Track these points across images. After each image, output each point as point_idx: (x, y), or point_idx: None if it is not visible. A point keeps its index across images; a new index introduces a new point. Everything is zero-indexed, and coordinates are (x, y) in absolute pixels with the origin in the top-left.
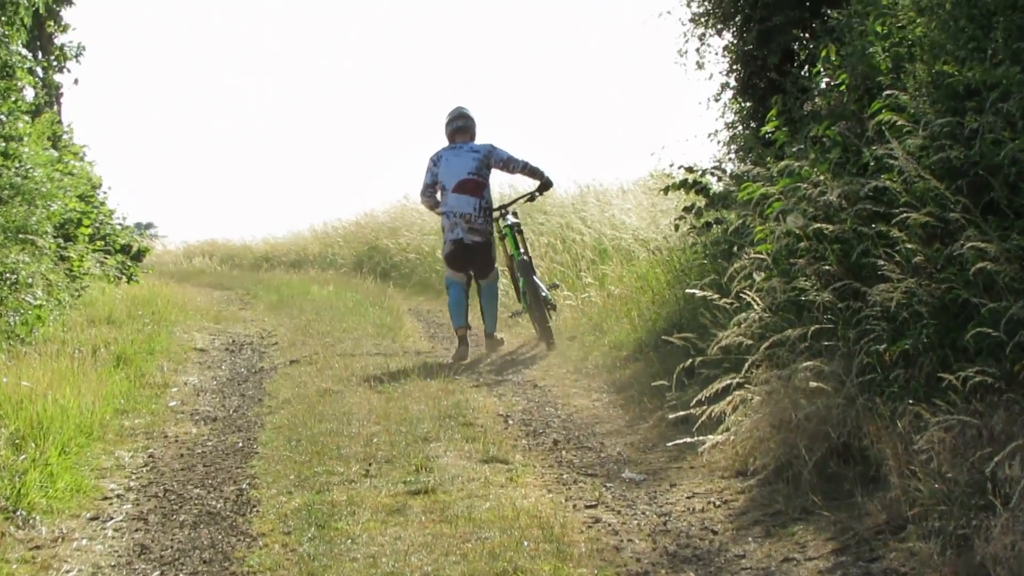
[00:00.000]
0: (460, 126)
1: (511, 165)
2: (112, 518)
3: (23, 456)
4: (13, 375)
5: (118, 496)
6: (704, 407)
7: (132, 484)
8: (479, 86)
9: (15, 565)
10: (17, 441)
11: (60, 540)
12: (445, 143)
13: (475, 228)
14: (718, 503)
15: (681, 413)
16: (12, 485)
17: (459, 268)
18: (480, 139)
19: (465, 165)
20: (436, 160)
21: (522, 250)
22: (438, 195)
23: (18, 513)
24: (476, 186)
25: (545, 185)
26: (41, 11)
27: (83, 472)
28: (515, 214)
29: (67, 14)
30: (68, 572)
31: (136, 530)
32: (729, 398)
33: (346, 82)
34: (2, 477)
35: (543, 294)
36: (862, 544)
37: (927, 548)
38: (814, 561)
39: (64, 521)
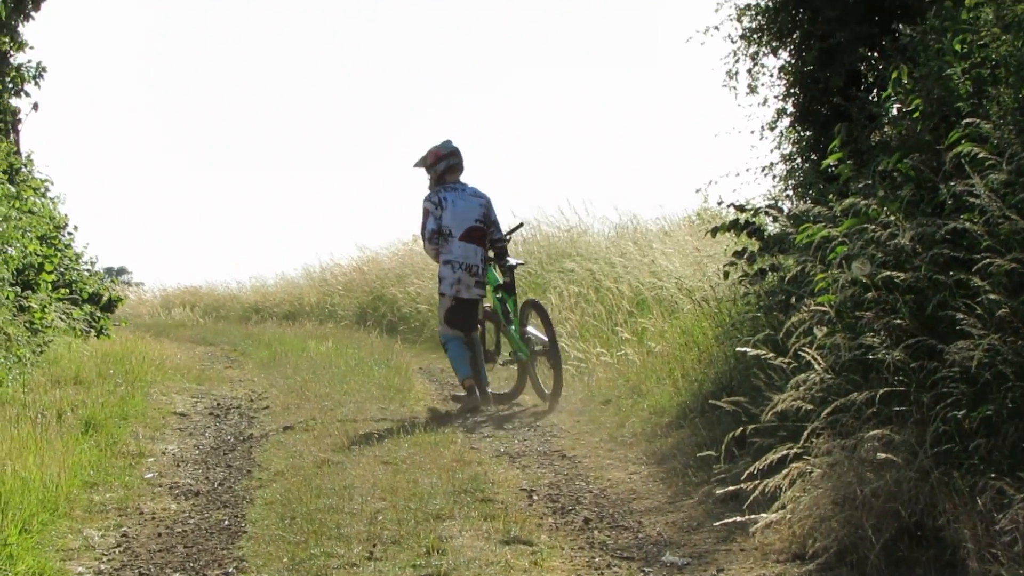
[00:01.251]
0: (455, 163)
1: (493, 229)
2: None
3: None
4: None
5: None
6: (757, 481)
7: (103, 567)
8: (498, 112)
9: None
10: None
11: None
12: (426, 179)
13: (480, 281)
14: None
15: (730, 488)
16: None
17: (459, 326)
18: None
19: (472, 211)
20: (438, 203)
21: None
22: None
23: None
24: (482, 235)
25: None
26: None
27: (47, 553)
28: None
29: (25, 30)
30: None
31: None
32: (785, 471)
33: (342, 104)
34: None
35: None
36: None
37: None
38: None
39: None
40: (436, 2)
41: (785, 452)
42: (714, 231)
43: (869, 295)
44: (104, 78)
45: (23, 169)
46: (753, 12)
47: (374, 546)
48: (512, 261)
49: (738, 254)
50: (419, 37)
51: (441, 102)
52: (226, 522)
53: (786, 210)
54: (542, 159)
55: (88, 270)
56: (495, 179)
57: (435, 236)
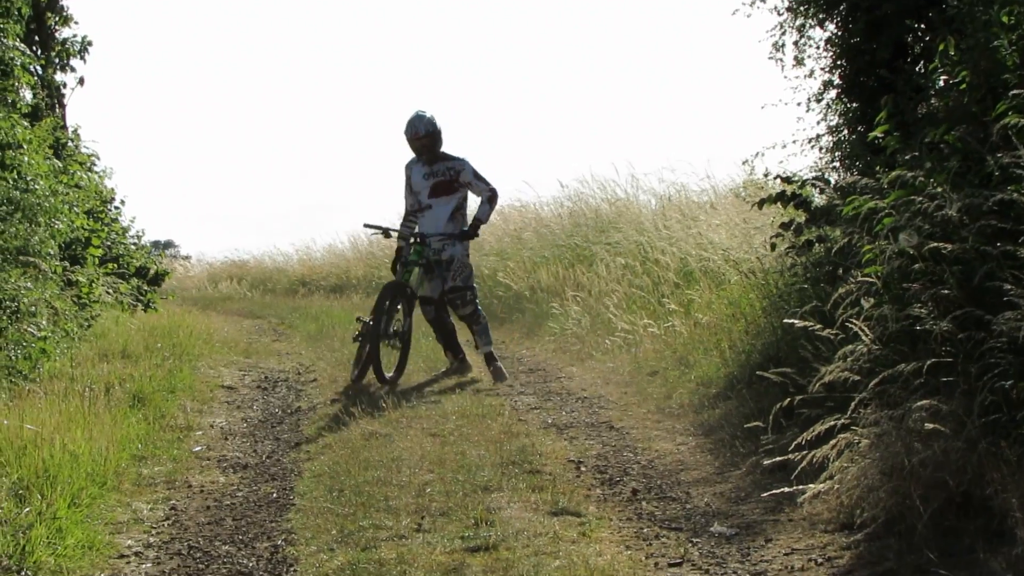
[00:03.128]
0: None
1: None
2: None
3: (28, 509)
4: (15, 417)
5: (136, 554)
6: (804, 452)
7: (152, 540)
8: (545, 83)
9: None
10: (21, 492)
11: None
12: (454, 151)
13: None
14: (820, 560)
15: (778, 459)
16: (16, 541)
17: None
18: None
19: None
20: None
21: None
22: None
23: (23, 573)
24: None
25: None
26: (40, 0)
27: (96, 527)
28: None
29: (71, 5)
30: None
31: None
32: (833, 441)
33: (388, 77)
34: (4, 532)
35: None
36: None
37: None
38: None
39: None
40: None
41: (832, 423)
42: (761, 203)
43: (916, 266)
44: (150, 50)
45: (69, 143)
46: None
47: (422, 518)
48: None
49: (785, 226)
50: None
51: (488, 75)
52: (274, 495)
53: (833, 182)
54: (589, 131)
55: (135, 244)
56: (541, 150)
57: None
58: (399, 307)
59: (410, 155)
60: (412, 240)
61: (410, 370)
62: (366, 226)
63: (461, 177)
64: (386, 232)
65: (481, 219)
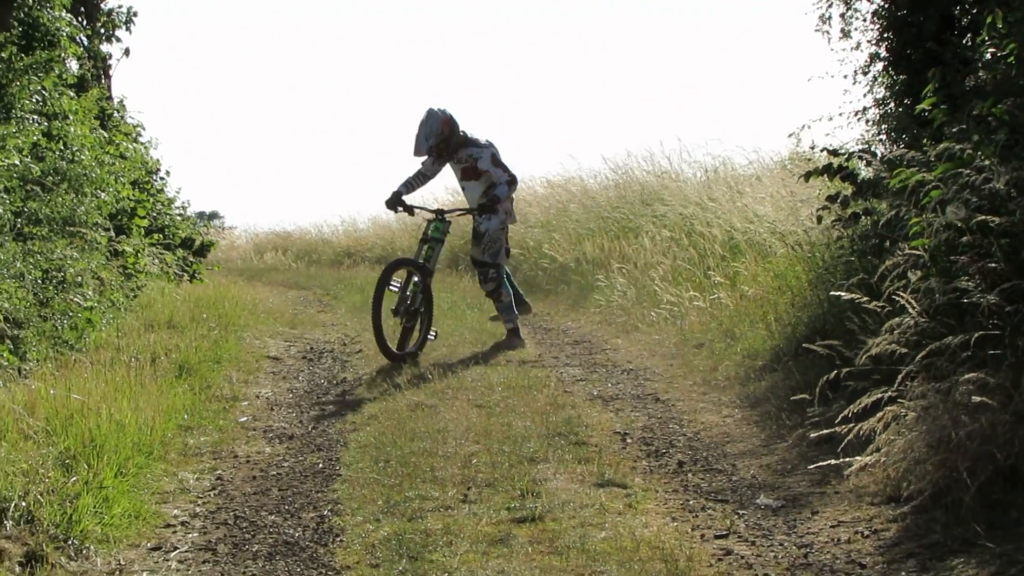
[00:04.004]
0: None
1: None
2: (176, 548)
3: (75, 478)
4: (62, 386)
5: (182, 523)
6: (851, 424)
7: (198, 510)
8: (591, 56)
9: None
10: (68, 461)
11: (117, 572)
12: (473, 134)
13: None
14: (867, 533)
15: (824, 431)
16: (63, 511)
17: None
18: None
19: None
20: None
21: None
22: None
23: (70, 542)
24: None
25: None
26: None
27: (142, 496)
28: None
29: None
30: None
31: (203, 562)
32: (880, 414)
33: (430, 49)
34: (51, 502)
35: None
36: None
37: None
38: None
39: (121, 551)
40: None
41: (879, 395)
42: (807, 175)
43: (964, 239)
44: (195, 20)
45: (115, 114)
46: None
47: (468, 489)
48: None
49: (831, 198)
50: None
51: (538, 48)
52: (320, 465)
53: (879, 154)
54: (635, 105)
55: (181, 215)
56: (588, 124)
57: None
58: (412, 283)
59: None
60: (433, 217)
61: (454, 342)
62: (392, 205)
63: (479, 164)
64: (410, 210)
65: (499, 196)
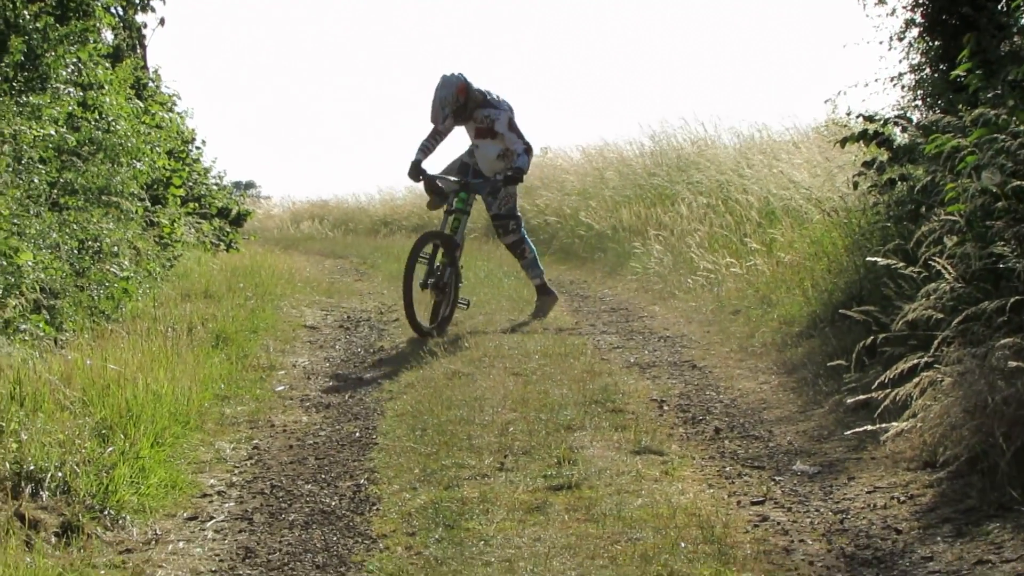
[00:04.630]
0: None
1: None
2: (212, 518)
3: (111, 448)
4: (98, 356)
5: (219, 493)
6: (887, 390)
7: (235, 479)
8: (630, 23)
9: (103, 571)
10: (104, 431)
11: (153, 542)
12: (504, 99)
13: None
14: (903, 498)
15: (861, 397)
16: (99, 481)
17: None
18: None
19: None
20: None
21: None
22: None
23: (106, 512)
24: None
25: None
26: None
27: (179, 466)
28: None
29: None
30: None
31: (240, 531)
32: (916, 380)
33: (470, 19)
34: (88, 472)
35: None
36: None
37: None
38: (1011, 563)
39: (158, 521)
40: None
41: (915, 361)
42: (843, 141)
43: (999, 204)
44: None
45: (150, 84)
46: None
47: (505, 457)
48: None
49: (867, 164)
50: None
51: (576, 18)
52: (357, 434)
53: (915, 120)
54: (672, 70)
55: (217, 184)
56: (627, 89)
57: None
58: (440, 255)
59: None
60: (459, 191)
61: (491, 310)
62: (415, 175)
63: (496, 127)
64: (432, 185)
65: (522, 168)
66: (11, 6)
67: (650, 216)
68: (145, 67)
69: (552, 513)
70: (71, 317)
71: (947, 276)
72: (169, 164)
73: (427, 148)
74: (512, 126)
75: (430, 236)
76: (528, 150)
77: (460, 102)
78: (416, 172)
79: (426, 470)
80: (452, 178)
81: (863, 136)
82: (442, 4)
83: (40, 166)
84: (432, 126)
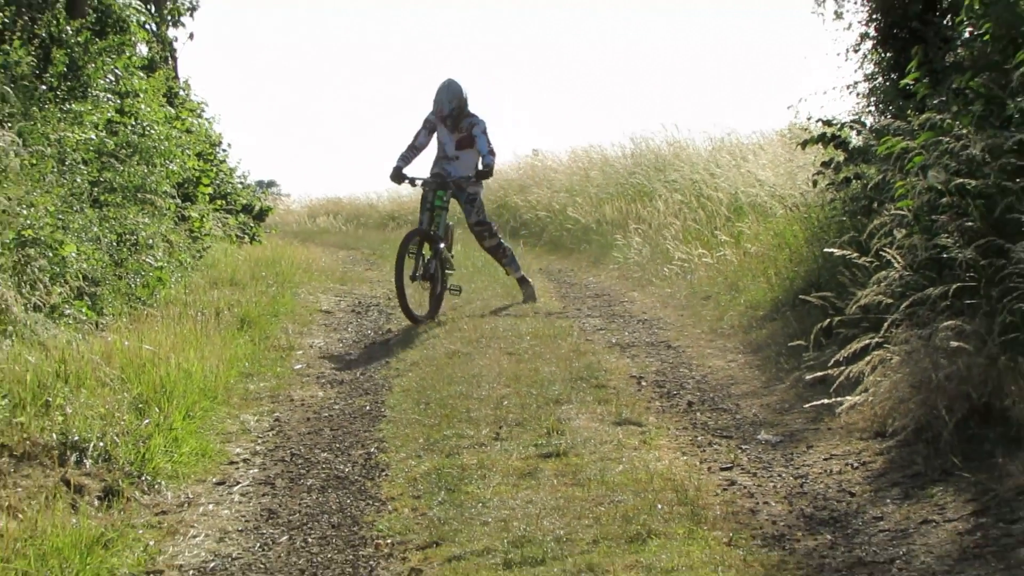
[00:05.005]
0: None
1: None
2: (238, 483)
3: (147, 420)
4: (135, 338)
5: (244, 460)
6: (842, 367)
7: (258, 448)
8: (611, 38)
9: (141, 531)
10: (140, 405)
11: (186, 505)
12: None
13: None
14: (856, 465)
15: (818, 374)
16: (136, 450)
17: None
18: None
19: None
20: None
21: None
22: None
23: (143, 478)
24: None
25: None
26: None
27: (208, 436)
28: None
29: None
30: (195, 537)
31: (263, 495)
32: (868, 358)
33: (470, 32)
34: (126, 442)
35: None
36: (1003, 506)
37: None
38: (953, 523)
39: (190, 486)
40: None
41: (867, 341)
42: (804, 144)
43: (943, 200)
44: (252, 5)
45: (181, 93)
46: None
47: (500, 428)
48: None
49: (825, 164)
50: None
51: (562, 35)
52: (367, 407)
53: (868, 124)
54: (650, 80)
55: (241, 183)
56: (610, 97)
57: None
58: (424, 250)
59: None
60: (437, 188)
61: (488, 296)
62: (397, 179)
63: (474, 131)
64: (413, 182)
65: (490, 165)
66: (55, 22)
67: (630, 211)
68: (176, 77)
69: (542, 478)
70: (111, 303)
71: (896, 265)
72: (198, 165)
73: (407, 158)
74: (485, 134)
75: (414, 234)
76: (492, 153)
77: (460, 105)
78: (399, 176)
79: (429, 440)
80: (427, 177)
81: (822, 139)
82: (445, 16)
83: (82, 167)
84: (419, 126)
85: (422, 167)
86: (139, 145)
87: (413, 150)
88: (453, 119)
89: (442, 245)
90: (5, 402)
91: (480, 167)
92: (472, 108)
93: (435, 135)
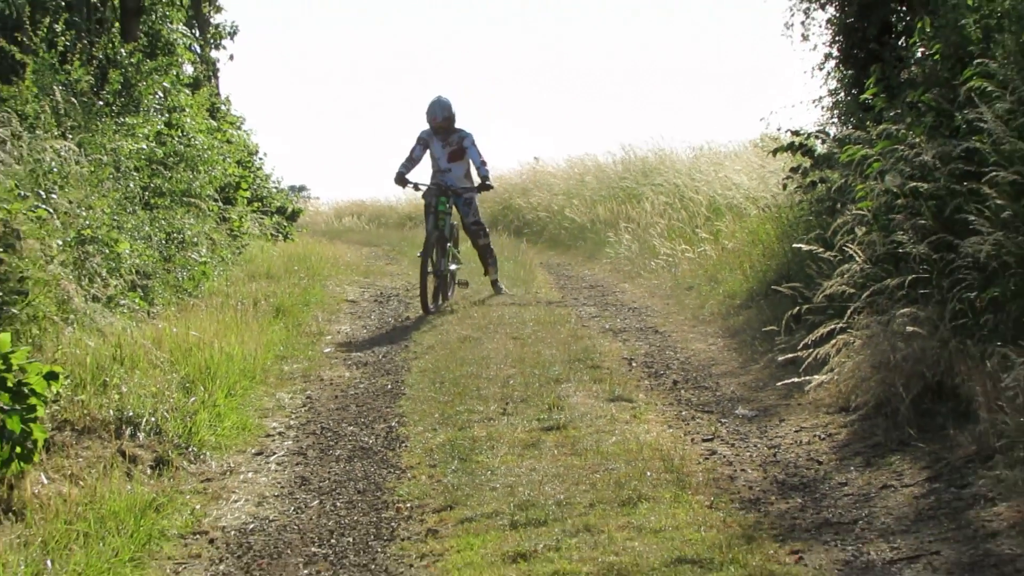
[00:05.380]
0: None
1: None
2: (275, 453)
3: (193, 398)
4: (182, 325)
5: (279, 434)
6: (810, 350)
7: (292, 423)
8: (601, 56)
9: (188, 496)
10: (187, 385)
11: (228, 473)
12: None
13: None
14: (823, 436)
15: (789, 355)
16: (184, 424)
17: None
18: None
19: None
20: None
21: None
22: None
23: (190, 449)
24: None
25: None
26: None
27: (247, 412)
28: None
29: None
30: (236, 501)
31: (296, 464)
32: (833, 342)
33: (478, 47)
34: (175, 417)
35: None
36: (954, 472)
37: (1012, 475)
38: (910, 488)
39: (231, 456)
40: None
41: (832, 327)
42: (775, 151)
43: (899, 201)
44: (285, 30)
45: (222, 107)
46: None
47: (507, 404)
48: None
49: (794, 170)
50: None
51: (560, 49)
52: (389, 386)
53: (832, 134)
54: (639, 93)
55: (276, 187)
56: (604, 109)
57: None
58: (441, 250)
59: (424, 126)
60: (439, 195)
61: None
62: (400, 183)
63: (464, 143)
64: (416, 187)
65: (487, 175)
66: (111, 45)
67: (621, 212)
68: (218, 94)
69: (544, 449)
70: (160, 294)
71: (857, 259)
72: (238, 172)
73: (407, 167)
74: (475, 145)
75: (434, 240)
76: (484, 163)
77: (451, 118)
78: (402, 181)
79: (444, 415)
80: (430, 184)
81: (790, 147)
82: (462, 35)
83: (135, 174)
84: (413, 143)
85: (422, 174)
86: (185, 154)
87: (411, 162)
88: (445, 131)
89: (449, 244)
90: (68, 382)
91: (478, 179)
92: (459, 124)
93: (428, 150)
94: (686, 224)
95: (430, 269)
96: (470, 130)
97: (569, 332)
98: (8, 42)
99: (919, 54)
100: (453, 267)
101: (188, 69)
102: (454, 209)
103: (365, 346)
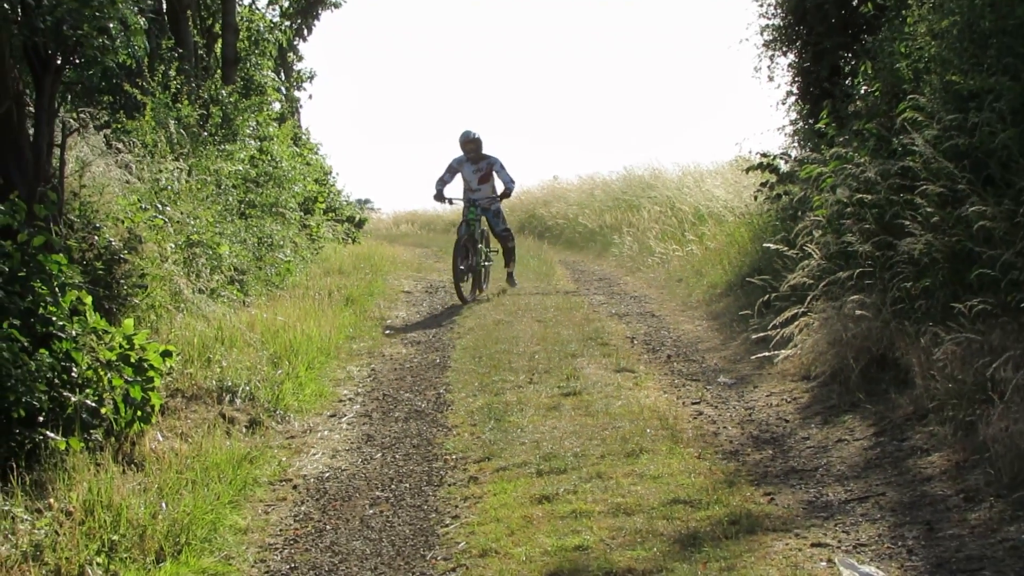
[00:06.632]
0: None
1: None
2: (345, 415)
3: (280, 371)
4: (271, 312)
5: (349, 400)
6: (778, 330)
7: (359, 390)
8: (600, 87)
9: (276, 450)
10: (275, 360)
11: (308, 432)
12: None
13: None
14: (789, 400)
15: (761, 334)
16: (272, 392)
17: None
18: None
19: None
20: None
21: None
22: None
23: (277, 412)
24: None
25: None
26: (284, 45)
27: (324, 382)
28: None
29: (302, 47)
30: (315, 455)
31: (363, 424)
32: (796, 323)
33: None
34: (265, 386)
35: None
36: (895, 428)
37: (943, 431)
38: (859, 441)
39: (310, 418)
40: None
41: (795, 311)
42: (748, 169)
43: (848, 209)
44: (355, 73)
45: (303, 137)
46: (771, 28)
47: (532, 374)
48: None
49: (763, 184)
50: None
51: (569, 80)
52: (437, 360)
53: (793, 156)
54: (641, 120)
55: (346, 201)
56: (608, 136)
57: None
58: (473, 251)
59: (458, 152)
60: (470, 206)
61: (522, 281)
62: (439, 199)
63: (494, 168)
64: (451, 201)
65: (511, 187)
66: (214, 88)
67: (623, 219)
68: (300, 126)
69: (564, 411)
70: (253, 287)
71: (815, 256)
72: (316, 188)
73: (441, 186)
74: (504, 168)
75: (460, 242)
76: (513, 181)
77: (479, 145)
78: (441, 197)
79: (482, 383)
80: (462, 198)
81: (760, 166)
82: (491, 59)
83: (233, 190)
84: (447, 165)
85: (456, 189)
86: (273, 174)
87: (442, 182)
88: (475, 157)
89: (480, 245)
90: (179, 358)
91: (502, 190)
92: (486, 150)
93: (458, 175)
94: (676, 228)
95: (462, 267)
96: (497, 155)
97: (583, 316)
98: (131, 86)
99: (863, 91)
100: (486, 264)
101: (276, 106)
102: (484, 219)
103: (418, 328)
